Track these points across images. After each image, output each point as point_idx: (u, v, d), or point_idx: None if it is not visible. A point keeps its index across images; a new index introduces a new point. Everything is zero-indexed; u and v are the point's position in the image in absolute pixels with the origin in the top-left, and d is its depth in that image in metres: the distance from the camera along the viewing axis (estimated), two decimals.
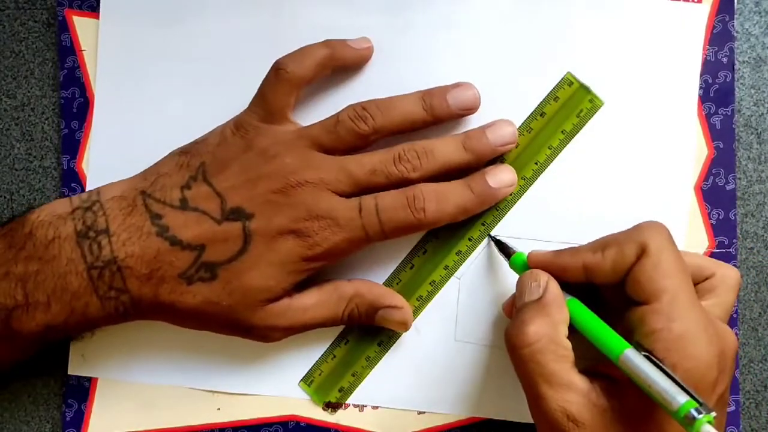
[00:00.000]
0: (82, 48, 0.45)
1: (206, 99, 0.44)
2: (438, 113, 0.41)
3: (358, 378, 0.43)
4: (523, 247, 0.41)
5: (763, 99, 0.44)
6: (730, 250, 0.43)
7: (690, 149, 0.43)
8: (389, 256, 0.43)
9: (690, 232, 0.43)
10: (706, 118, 0.43)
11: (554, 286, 0.37)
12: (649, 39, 0.43)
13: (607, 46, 0.43)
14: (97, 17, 0.45)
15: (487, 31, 0.44)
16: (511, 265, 0.41)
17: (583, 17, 0.43)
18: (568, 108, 0.43)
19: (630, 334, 0.35)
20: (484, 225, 0.43)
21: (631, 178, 0.43)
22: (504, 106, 0.43)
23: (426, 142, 0.41)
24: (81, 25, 0.45)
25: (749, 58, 0.44)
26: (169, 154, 0.41)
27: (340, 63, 0.42)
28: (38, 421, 0.45)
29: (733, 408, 0.43)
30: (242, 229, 0.39)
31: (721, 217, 0.43)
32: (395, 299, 0.42)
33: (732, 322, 0.43)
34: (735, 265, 0.43)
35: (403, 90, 0.42)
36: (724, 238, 0.43)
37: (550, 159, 0.43)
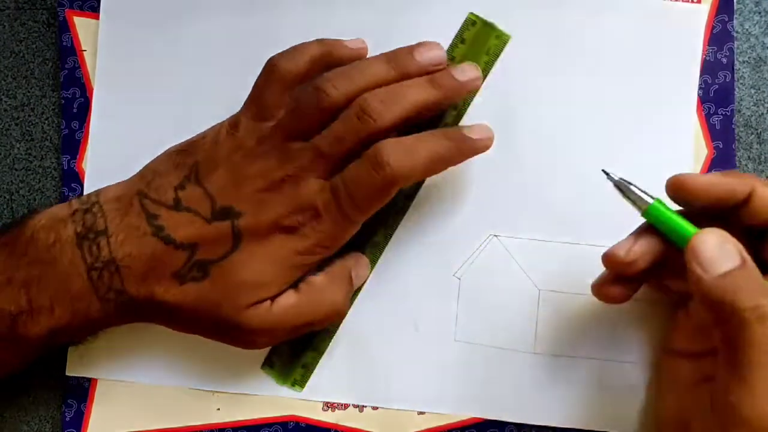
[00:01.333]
0: (83, 48, 0.45)
1: (206, 99, 0.44)
2: (406, 71, 0.40)
3: (318, 352, 0.43)
4: (522, 247, 0.41)
5: (763, 99, 0.44)
6: None
7: (689, 149, 0.43)
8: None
9: None
10: (706, 118, 0.43)
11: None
12: (648, 39, 0.43)
13: (607, 45, 0.43)
14: (98, 17, 0.45)
15: None
16: (647, 216, 0.36)
17: (583, 17, 0.43)
18: (476, 47, 0.43)
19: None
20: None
21: (631, 178, 0.43)
22: None
23: (383, 88, 0.39)
24: (81, 25, 0.45)
25: (749, 58, 0.44)
26: (166, 152, 0.41)
27: (334, 62, 0.41)
28: (38, 421, 0.45)
29: None
30: (231, 228, 0.39)
31: None
32: (357, 260, 0.42)
33: None
34: None
35: None
36: None
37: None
